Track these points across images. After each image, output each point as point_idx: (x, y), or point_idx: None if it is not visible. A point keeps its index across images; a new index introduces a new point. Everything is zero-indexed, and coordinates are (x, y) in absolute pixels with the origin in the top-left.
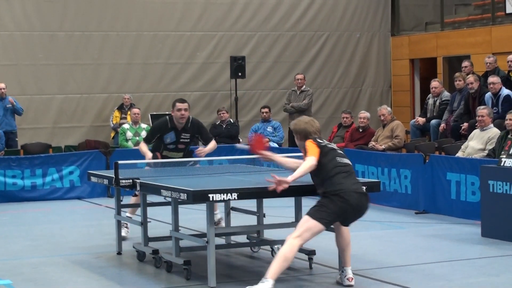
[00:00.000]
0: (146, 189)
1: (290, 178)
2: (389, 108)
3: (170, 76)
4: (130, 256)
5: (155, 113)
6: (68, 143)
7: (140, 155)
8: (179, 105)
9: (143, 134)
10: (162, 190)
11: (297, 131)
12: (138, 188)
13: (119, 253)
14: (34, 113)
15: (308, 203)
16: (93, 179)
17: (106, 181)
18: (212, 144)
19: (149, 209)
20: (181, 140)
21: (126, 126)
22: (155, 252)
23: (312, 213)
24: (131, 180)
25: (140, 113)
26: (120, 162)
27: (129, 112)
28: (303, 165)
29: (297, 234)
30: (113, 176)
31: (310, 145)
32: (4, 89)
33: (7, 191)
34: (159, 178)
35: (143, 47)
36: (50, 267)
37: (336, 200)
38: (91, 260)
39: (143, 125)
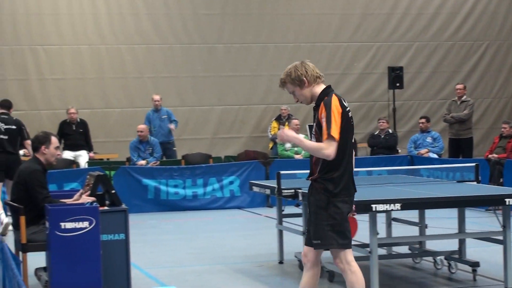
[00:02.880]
0: None
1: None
2: None
3: None
4: (292, 265)
5: (312, 124)
6: (227, 154)
7: (302, 166)
8: None
9: None
10: None
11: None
12: (300, 198)
13: (281, 262)
14: (194, 124)
15: (472, 214)
16: (255, 188)
17: (268, 191)
18: None
19: None
20: None
21: None
22: None
23: None
24: (293, 190)
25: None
26: (282, 172)
27: (287, 123)
28: (316, 146)
29: None
30: (275, 186)
31: (336, 112)
32: (159, 101)
33: (170, 200)
34: None
35: (300, 58)
36: (213, 275)
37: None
38: (253, 268)
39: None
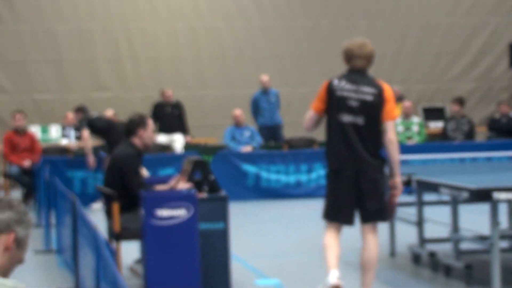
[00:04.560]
0: (422, 186)
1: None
2: None
3: (442, 66)
4: (404, 258)
5: (427, 105)
6: None
7: (415, 151)
8: None
9: (415, 129)
10: (440, 188)
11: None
12: (414, 185)
13: (392, 254)
14: (297, 106)
15: None
16: None
17: None
18: None
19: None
20: None
21: (397, 120)
22: (432, 254)
23: None
24: (406, 177)
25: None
26: None
27: (399, 104)
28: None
29: None
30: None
31: (320, 90)
32: (267, 81)
33: (271, 187)
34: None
35: (412, 36)
36: (319, 268)
37: None
38: None
39: (415, 119)
